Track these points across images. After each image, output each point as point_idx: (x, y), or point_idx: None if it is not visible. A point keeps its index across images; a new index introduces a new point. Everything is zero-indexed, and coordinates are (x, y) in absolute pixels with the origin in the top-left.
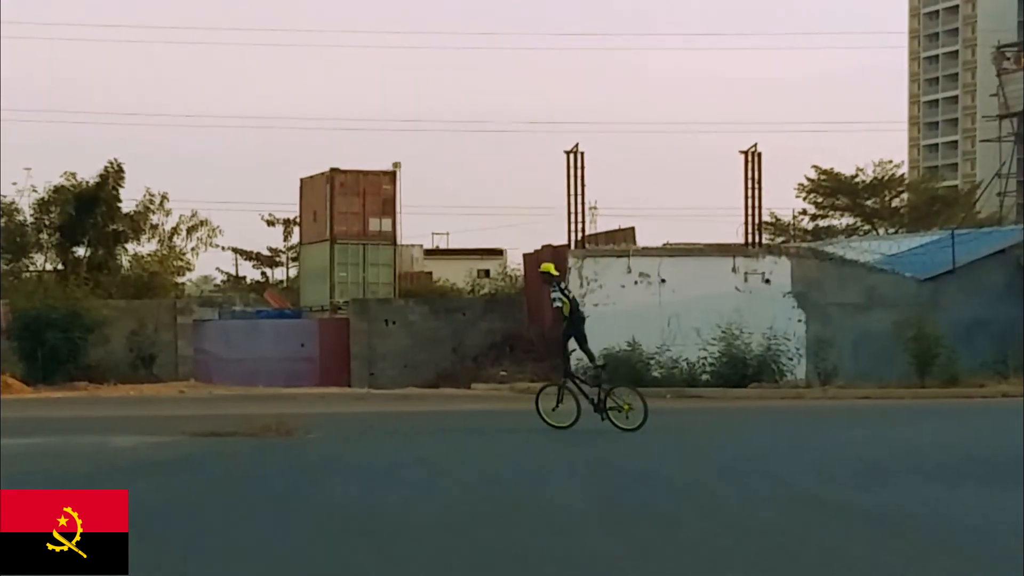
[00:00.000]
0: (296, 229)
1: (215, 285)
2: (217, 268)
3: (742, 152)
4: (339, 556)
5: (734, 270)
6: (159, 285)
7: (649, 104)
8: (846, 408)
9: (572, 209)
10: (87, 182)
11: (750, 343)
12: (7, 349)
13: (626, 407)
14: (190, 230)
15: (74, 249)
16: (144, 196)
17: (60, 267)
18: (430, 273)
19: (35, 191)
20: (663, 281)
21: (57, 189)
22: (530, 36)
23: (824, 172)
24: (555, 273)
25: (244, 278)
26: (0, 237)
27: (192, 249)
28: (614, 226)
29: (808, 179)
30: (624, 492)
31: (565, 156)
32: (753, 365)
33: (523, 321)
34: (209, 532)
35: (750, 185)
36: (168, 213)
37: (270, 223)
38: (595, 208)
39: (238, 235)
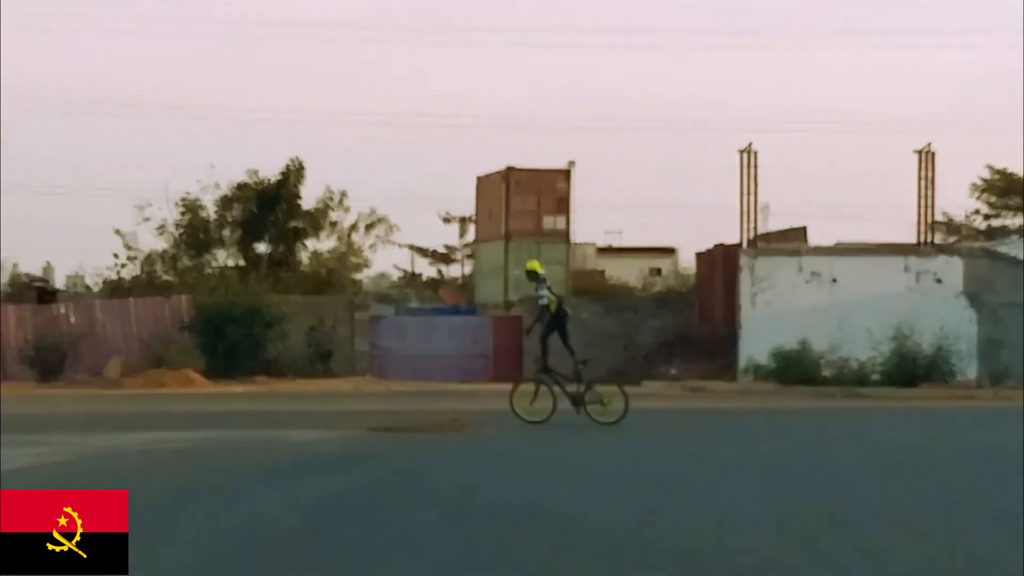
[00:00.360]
0: (472, 227)
1: (392, 282)
2: (394, 265)
3: (916, 152)
4: (509, 554)
5: (906, 270)
6: (337, 281)
7: (822, 103)
8: (1017, 410)
9: (744, 208)
10: (269, 179)
11: (921, 343)
12: (189, 343)
13: (606, 402)
14: (368, 227)
15: (255, 245)
16: (324, 193)
17: (241, 263)
18: (603, 271)
19: (218, 188)
20: (834, 280)
21: (240, 186)
22: (707, 35)
23: (998, 172)
24: (540, 271)
25: (420, 275)
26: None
27: (370, 246)
28: (786, 225)
29: (982, 179)
30: (794, 490)
31: (738, 155)
32: (924, 365)
33: (694, 319)
34: (383, 527)
35: (923, 184)
36: (347, 210)
37: (447, 220)
38: (767, 207)
39: (415, 232)
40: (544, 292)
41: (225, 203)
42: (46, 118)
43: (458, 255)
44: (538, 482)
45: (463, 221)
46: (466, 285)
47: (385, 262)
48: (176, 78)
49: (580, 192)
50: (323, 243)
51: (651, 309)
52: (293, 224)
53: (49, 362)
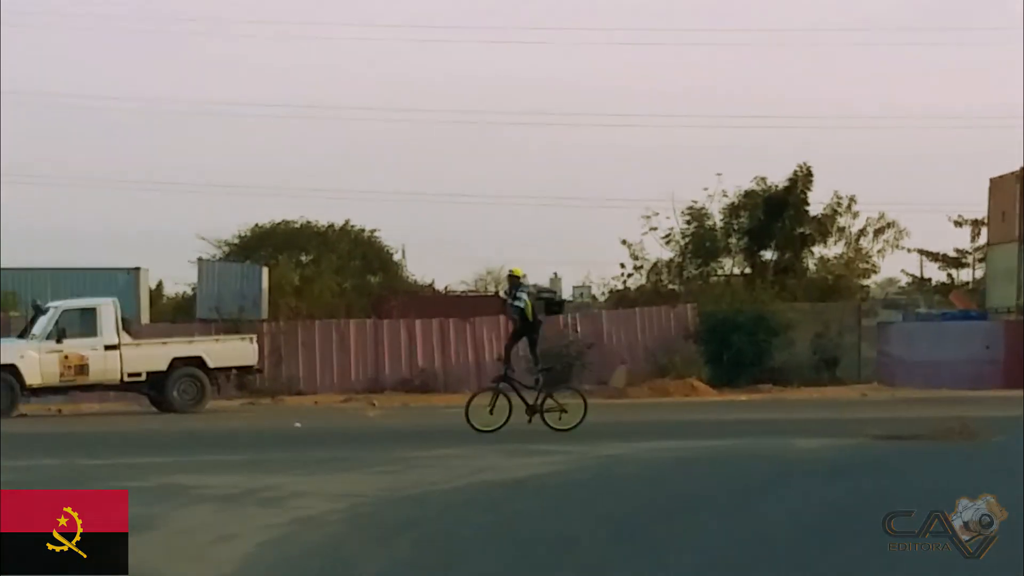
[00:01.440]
0: (984, 229)
1: (899, 287)
2: (902, 270)
3: None
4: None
5: None
6: (844, 288)
7: None
8: None
9: None
10: (776, 186)
11: None
12: (694, 352)
13: (562, 409)
14: (877, 232)
15: (761, 253)
16: (832, 199)
17: (747, 271)
18: None
19: (725, 196)
20: None
21: (747, 193)
22: None
23: None
24: (522, 278)
25: (929, 280)
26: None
27: (878, 251)
28: None
29: None
30: None
31: None
32: None
33: None
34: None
35: None
36: (855, 215)
37: (957, 224)
38: None
39: (925, 236)
40: (523, 296)
41: (732, 211)
42: (551, 131)
43: (969, 259)
44: None
45: (975, 224)
46: (977, 289)
47: (893, 267)
48: (682, 88)
49: None
50: (830, 249)
51: None
52: (800, 231)
53: (556, 372)
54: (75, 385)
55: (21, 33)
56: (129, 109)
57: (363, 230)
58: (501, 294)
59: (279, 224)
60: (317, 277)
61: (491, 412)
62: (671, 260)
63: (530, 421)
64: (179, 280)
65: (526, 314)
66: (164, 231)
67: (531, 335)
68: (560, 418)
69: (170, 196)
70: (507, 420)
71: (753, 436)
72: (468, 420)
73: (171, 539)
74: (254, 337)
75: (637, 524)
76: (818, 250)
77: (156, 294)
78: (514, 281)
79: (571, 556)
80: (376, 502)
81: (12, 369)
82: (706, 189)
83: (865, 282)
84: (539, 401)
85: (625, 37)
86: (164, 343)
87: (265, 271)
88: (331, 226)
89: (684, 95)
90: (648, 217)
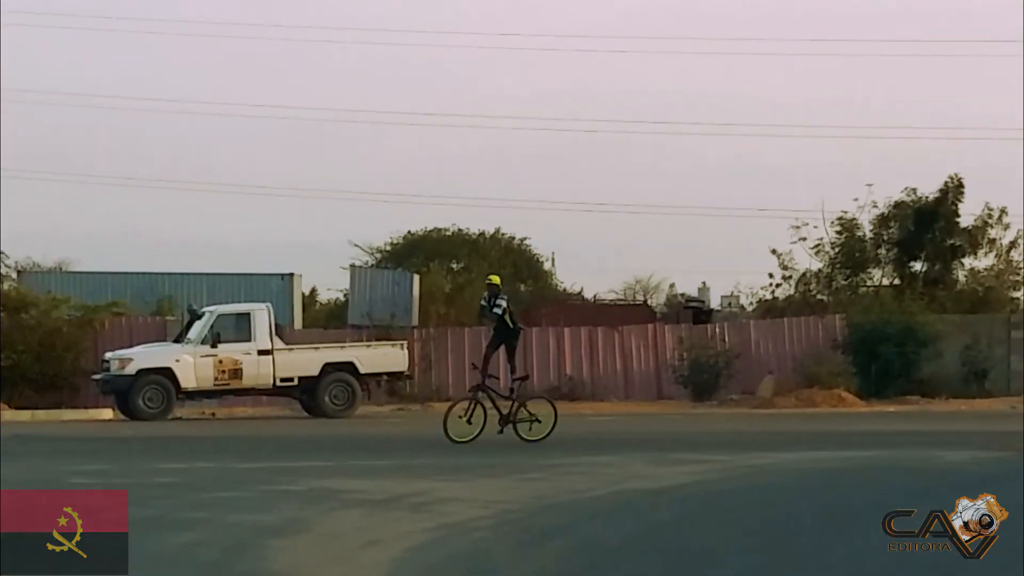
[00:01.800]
0: None
1: None
2: None
3: None
4: None
5: None
6: (994, 300)
7: None
8: None
9: None
10: (927, 197)
11: None
12: (842, 363)
13: (534, 419)
14: None
15: (911, 264)
16: (983, 210)
17: (896, 282)
18: None
19: (875, 206)
20: None
21: (897, 204)
22: None
23: None
24: (499, 284)
25: None
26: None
27: None
28: None
29: None
30: None
31: None
32: None
33: None
34: None
35: None
36: (1006, 227)
37: None
38: None
39: None
40: (503, 303)
41: (882, 222)
42: (702, 142)
43: None
44: None
45: None
46: None
47: None
48: (833, 99)
49: None
50: (980, 261)
51: None
52: (950, 242)
53: (703, 381)
54: (229, 389)
55: (153, 41)
56: (288, 117)
57: (513, 238)
58: (482, 301)
59: (431, 232)
60: (468, 284)
61: (468, 422)
62: (820, 270)
63: (501, 431)
64: (332, 286)
65: (506, 321)
66: (318, 238)
67: (510, 342)
68: (531, 428)
69: (325, 204)
70: (482, 430)
71: (900, 448)
72: (445, 430)
73: (320, 543)
74: (405, 343)
75: (782, 535)
76: (968, 262)
77: (309, 300)
78: (493, 289)
79: (716, 566)
80: (523, 509)
81: (168, 373)
82: (856, 200)
83: (1015, 294)
84: (512, 411)
85: (774, 48)
86: (316, 348)
87: (416, 278)
88: (482, 234)
89: (835, 106)
90: (798, 227)
